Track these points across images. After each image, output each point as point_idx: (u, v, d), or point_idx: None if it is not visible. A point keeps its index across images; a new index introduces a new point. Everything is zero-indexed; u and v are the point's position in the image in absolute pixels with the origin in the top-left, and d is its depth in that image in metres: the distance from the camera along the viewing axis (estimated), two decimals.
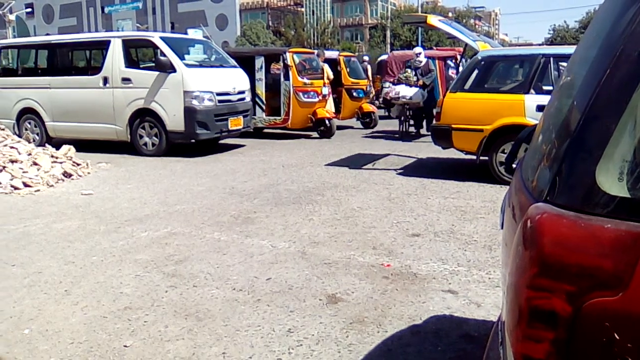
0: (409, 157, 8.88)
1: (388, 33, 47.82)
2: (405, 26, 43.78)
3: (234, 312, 3.22)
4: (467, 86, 6.83)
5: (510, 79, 8.56)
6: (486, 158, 6.77)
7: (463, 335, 2.94)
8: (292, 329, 2.99)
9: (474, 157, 6.92)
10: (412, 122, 11.86)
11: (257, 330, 2.98)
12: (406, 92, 10.86)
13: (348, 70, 13.08)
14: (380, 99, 16.66)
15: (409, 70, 11.26)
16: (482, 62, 6.91)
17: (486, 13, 70.54)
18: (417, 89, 10.86)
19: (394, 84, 11.68)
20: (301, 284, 3.61)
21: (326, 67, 12.17)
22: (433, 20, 7.98)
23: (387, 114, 15.56)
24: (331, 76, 12.27)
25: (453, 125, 6.79)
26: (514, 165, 2.20)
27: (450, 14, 39.87)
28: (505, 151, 6.54)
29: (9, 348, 2.84)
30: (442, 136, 7.05)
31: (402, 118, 11.47)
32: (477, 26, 55.79)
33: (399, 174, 7.45)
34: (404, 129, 11.59)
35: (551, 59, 6.45)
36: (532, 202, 1.38)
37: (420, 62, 11.36)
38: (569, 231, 1.20)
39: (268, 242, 4.52)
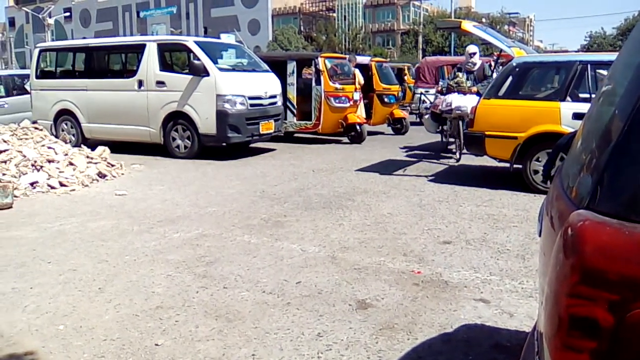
0: (440, 164, 8.80)
1: (420, 39, 47.61)
2: (438, 32, 43.54)
3: (263, 314, 3.23)
4: (501, 93, 6.74)
5: (545, 86, 8.41)
6: (520, 166, 6.66)
7: (495, 345, 2.90)
8: (322, 333, 2.98)
9: (507, 164, 6.82)
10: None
11: (287, 334, 2.98)
12: (460, 101, 8.50)
13: (379, 75, 13.05)
14: (413, 105, 16.53)
15: (460, 74, 8.99)
16: (517, 69, 6.81)
17: (520, 19, 69.59)
18: (475, 97, 8.21)
19: (442, 93, 9.25)
20: (331, 289, 3.61)
21: (357, 73, 12.16)
22: (467, 25, 7.90)
23: (418, 120, 15.22)
24: (362, 81, 12.25)
25: (486, 132, 6.70)
26: (552, 173, 2.16)
27: (483, 20, 39.49)
28: (540, 159, 6.43)
29: (45, 343, 2.90)
30: (475, 143, 6.97)
31: (456, 133, 8.94)
32: (511, 32, 55.10)
33: (430, 180, 7.39)
34: (457, 147, 9.02)
35: (588, 65, 6.32)
36: (573, 210, 1.35)
37: (474, 64, 9.19)
38: (612, 239, 1.17)
39: (298, 246, 4.53)
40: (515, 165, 6.67)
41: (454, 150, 9.25)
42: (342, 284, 3.70)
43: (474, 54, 9.06)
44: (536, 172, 6.48)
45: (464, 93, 8.59)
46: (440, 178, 7.55)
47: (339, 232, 4.93)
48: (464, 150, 8.32)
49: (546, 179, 2.45)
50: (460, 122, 8.56)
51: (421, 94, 14.36)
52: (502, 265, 4.06)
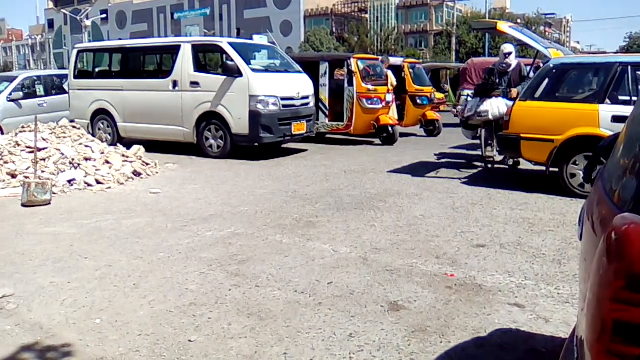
0: (474, 166, 8.69)
1: (453, 40, 47.12)
2: (472, 33, 43.00)
3: (295, 313, 3.24)
4: (537, 94, 6.62)
5: (583, 88, 8.22)
6: (556, 169, 6.53)
7: (530, 350, 2.85)
8: (354, 334, 2.98)
9: (543, 167, 6.70)
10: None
11: (318, 333, 2.99)
12: (483, 106, 7.73)
13: (412, 77, 12.96)
14: (459, 107, 16.35)
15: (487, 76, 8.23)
16: (554, 70, 6.68)
17: (557, 20, 68.22)
18: (501, 100, 7.65)
19: (473, 97, 8.44)
20: (363, 290, 3.60)
21: (390, 74, 12.11)
22: (503, 26, 7.78)
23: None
24: (395, 83, 12.19)
25: (522, 135, 6.59)
26: (593, 176, 2.12)
27: (519, 21, 38.81)
28: (577, 163, 6.30)
29: (82, 336, 2.97)
30: (510, 146, 6.85)
31: (488, 141, 8.14)
32: (547, 33, 54.11)
33: (464, 183, 7.31)
34: (489, 156, 8.22)
35: (629, 67, 6.16)
36: (617, 213, 1.32)
37: (509, 65, 8.05)
38: None
39: (330, 247, 4.53)
40: (551, 169, 6.55)
41: (489, 156, 8.22)
42: (374, 285, 3.68)
43: (510, 53, 8.00)
44: (573, 175, 6.35)
45: (489, 97, 7.80)
46: (473, 181, 7.46)
47: (370, 234, 4.91)
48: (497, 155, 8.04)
49: (587, 182, 2.40)
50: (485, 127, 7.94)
51: (467, 96, 14.17)
52: (537, 270, 3.99)
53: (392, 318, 3.18)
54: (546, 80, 6.65)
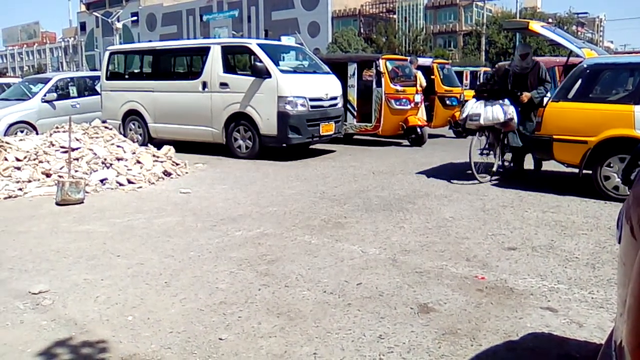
0: (505, 167, 8.56)
1: (483, 40, 46.59)
2: (502, 33, 42.45)
3: (324, 314, 3.24)
4: (570, 95, 6.50)
5: (618, 89, 8.04)
6: (589, 171, 6.41)
7: (563, 355, 2.80)
8: (383, 336, 2.96)
9: (576, 169, 6.57)
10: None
11: (348, 334, 2.98)
12: (479, 110, 7.19)
13: (441, 77, 12.86)
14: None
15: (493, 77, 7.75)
16: (588, 70, 6.55)
17: (590, 19, 66.91)
18: (498, 106, 7.09)
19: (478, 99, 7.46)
20: (392, 291, 3.58)
21: (420, 75, 12.03)
22: (535, 26, 7.66)
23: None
24: (424, 84, 12.11)
25: (554, 136, 6.47)
26: (631, 178, 2.07)
27: (550, 20, 38.15)
28: (611, 165, 6.17)
29: (115, 332, 3.02)
30: (542, 147, 6.74)
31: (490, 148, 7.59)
32: (579, 33, 53.09)
33: (494, 184, 7.21)
34: (499, 163, 7.75)
35: None
36: None
37: (526, 67, 7.42)
38: None
39: (358, 248, 4.52)
40: (584, 171, 6.43)
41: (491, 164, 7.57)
42: (404, 287, 3.66)
43: (526, 55, 7.39)
44: (607, 178, 6.22)
45: (489, 100, 7.17)
46: (504, 183, 7.36)
47: (399, 235, 4.89)
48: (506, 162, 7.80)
49: (625, 184, 2.34)
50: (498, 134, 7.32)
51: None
52: (570, 274, 3.91)
53: (422, 320, 3.16)
54: (579, 81, 6.52)
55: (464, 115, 7.43)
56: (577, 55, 7.54)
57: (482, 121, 7.13)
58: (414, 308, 3.32)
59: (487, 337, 2.96)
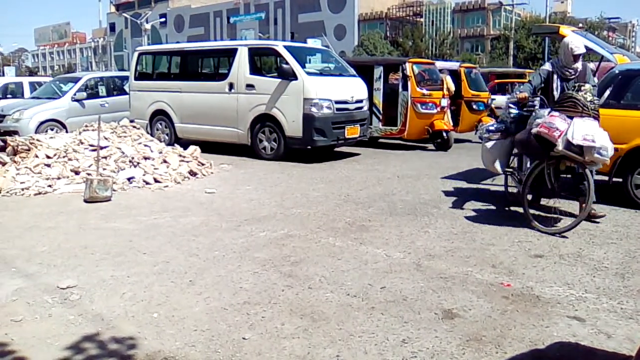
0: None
1: (511, 44, 46.04)
2: (530, 37, 41.89)
3: (348, 316, 3.23)
4: (601, 102, 6.37)
5: None
6: (619, 179, 6.28)
7: None
8: (407, 340, 2.94)
9: (605, 177, 6.44)
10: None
11: (371, 337, 2.97)
12: (591, 133, 4.77)
13: (468, 82, 12.75)
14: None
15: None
16: (620, 77, 6.43)
17: (621, 24, 65.67)
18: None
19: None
20: (416, 296, 3.55)
21: (448, 80, 11.92)
22: (566, 31, 7.52)
23: None
24: (453, 88, 12.00)
25: None
26: None
27: (580, 25, 37.54)
28: None
29: (140, 329, 3.05)
30: None
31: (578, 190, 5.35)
32: (610, 38, 52.14)
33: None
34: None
35: None
36: None
37: (575, 70, 5.54)
38: None
39: (382, 251, 4.50)
40: (614, 179, 6.30)
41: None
42: (428, 291, 3.63)
43: (581, 55, 5.53)
44: (638, 186, 6.09)
45: (581, 115, 4.88)
46: None
47: (424, 239, 4.85)
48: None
49: None
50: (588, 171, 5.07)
51: None
52: (599, 283, 3.83)
53: (446, 326, 3.13)
54: (611, 87, 6.40)
55: (579, 141, 4.73)
56: (609, 61, 7.41)
57: (596, 154, 4.80)
58: (438, 313, 3.29)
59: (513, 344, 2.92)
